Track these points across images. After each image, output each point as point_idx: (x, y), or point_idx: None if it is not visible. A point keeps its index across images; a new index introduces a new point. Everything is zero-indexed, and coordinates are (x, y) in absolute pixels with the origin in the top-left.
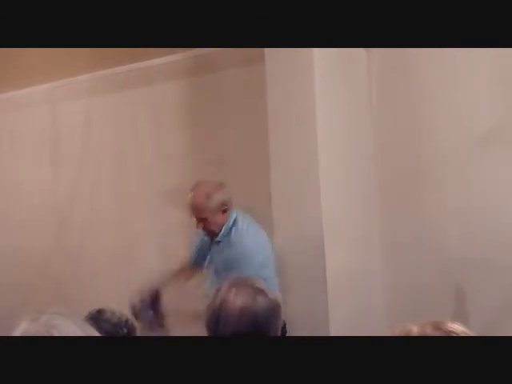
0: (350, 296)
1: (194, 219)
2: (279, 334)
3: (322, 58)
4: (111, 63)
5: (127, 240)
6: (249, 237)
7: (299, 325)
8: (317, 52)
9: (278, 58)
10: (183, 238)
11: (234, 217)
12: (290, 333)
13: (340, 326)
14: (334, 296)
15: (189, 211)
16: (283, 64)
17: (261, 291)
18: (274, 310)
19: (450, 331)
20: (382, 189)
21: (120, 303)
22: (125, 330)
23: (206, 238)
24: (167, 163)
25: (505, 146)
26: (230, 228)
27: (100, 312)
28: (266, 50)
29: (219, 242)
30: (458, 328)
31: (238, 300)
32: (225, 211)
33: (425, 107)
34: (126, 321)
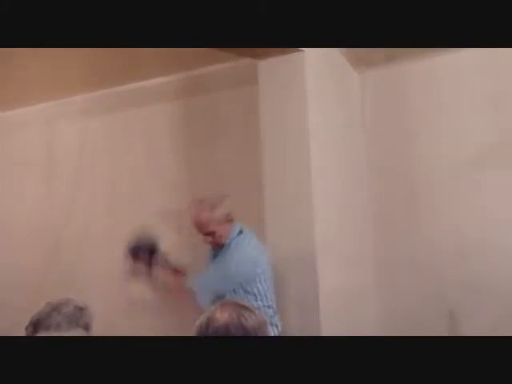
0: (342, 317)
1: (201, 235)
2: None
3: (315, 80)
4: (106, 84)
5: (121, 259)
6: (247, 248)
7: None
8: (310, 74)
9: (271, 80)
10: (177, 258)
11: (238, 228)
12: None
13: None
14: (327, 316)
15: (194, 229)
16: (276, 85)
17: (247, 309)
18: (260, 326)
19: None
20: (375, 210)
21: (115, 319)
22: (83, 320)
23: (210, 253)
24: (161, 183)
25: (498, 168)
26: (236, 238)
27: (56, 306)
28: (259, 71)
29: (224, 252)
30: None
31: (224, 316)
32: (230, 222)
33: (418, 129)
34: (83, 309)
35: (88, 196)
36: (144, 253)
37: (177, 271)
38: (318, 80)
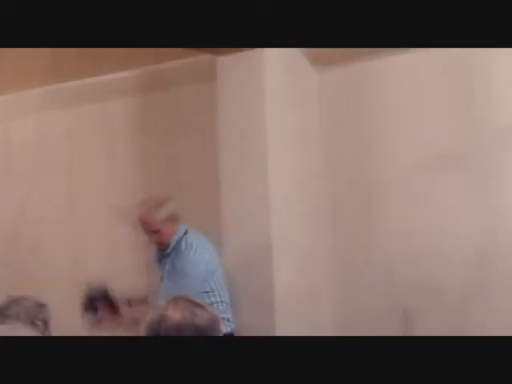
0: (296, 315)
1: (145, 234)
2: None
3: (274, 77)
4: (64, 78)
5: (77, 255)
6: (197, 249)
7: None
8: (269, 71)
9: (229, 76)
10: (132, 254)
11: (183, 228)
12: None
13: None
14: (281, 315)
15: (139, 227)
16: (235, 82)
17: (199, 305)
18: (213, 323)
19: None
20: (331, 210)
21: (70, 316)
22: (42, 315)
23: (157, 254)
24: (118, 178)
25: (452, 170)
26: (180, 239)
27: (16, 299)
28: (218, 67)
29: (169, 253)
30: None
31: (176, 314)
32: (174, 222)
33: (376, 129)
34: (43, 305)
35: (45, 190)
36: (100, 301)
37: (141, 302)
38: (277, 77)
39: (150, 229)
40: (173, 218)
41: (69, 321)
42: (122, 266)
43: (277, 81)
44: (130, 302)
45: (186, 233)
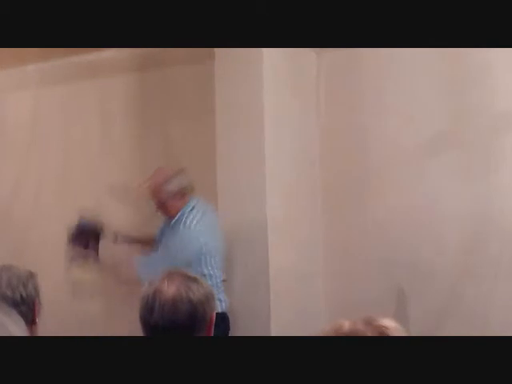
0: (292, 295)
1: (154, 204)
2: (213, 322)
3: (271, 59)
4: (60, 54)
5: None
6: (195, 228)
7: (241, 322)
8: (266, 52)
9: (227, 57)
10: (128, 233)
11: (193, 203)
12: (232, 329)
13: (281, 324)
14: (277, 294)
15: (148, 195)
16: (232, 62)
17: (194, 280)
18: (208, 297)
19: (381, 326)
20: (327, 191)
21: (62, 298)
22: (32, 281)
23: (162, 226)
24: (114, 157)
25: (448, 154)
26: (187, 213)
27: (6, 267)
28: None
29: (172, 227)
30: (389, 324)
31: (171, 289)
32: (183, 196)
33: (372, 113)
34: (33, 274)
35: (39, 169)
36: (87, 237)
37: (144, 242)
38: (275, 58)
39: (158, 200)
40: (183, 192)
41: (60, 295)
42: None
43: (275, 62)
44: (116, 238)
45: (192, 209)
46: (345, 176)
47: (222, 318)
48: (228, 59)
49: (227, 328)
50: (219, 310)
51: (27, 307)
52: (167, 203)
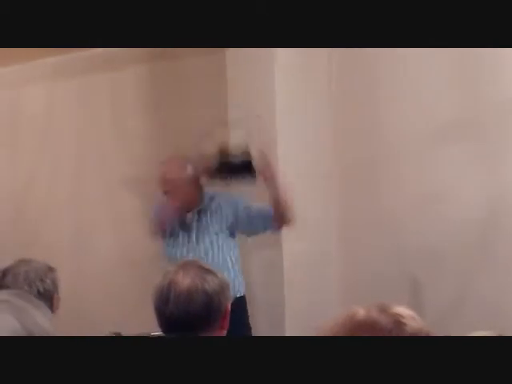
0: (305, 282)
1: (167, 192)
2: (228, 312)
3: (283, 49)
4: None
5: (84, 226)
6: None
7: (255, 309)
8: None
9: (239, 48)
10: (139, 226)
11: (210, 193)
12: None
13: (295, 311)
14: (290, 281)
15: (161, 184)
16: (244, 53)
17: (209, 271)
18: (223, 288)
19: (396, 314)
20: (341, 176)
21: (76, 290)
22: (51, 275)
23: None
24: (127, 149)
25: (461, 140)
26: (207, 203)
27: (26, 260)
28: None
29: (197, 216)
30: (404, 311)
31: (186, 280)
32: (199, 183)
33: (386, 98)
34: (52, 268)
35: (52, 161)
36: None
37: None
38: (287, 49)
39: (173, 188)
40: (200, 183)
41: (72, 288)
42: (129, 238)
43: (287, 52)
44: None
45: (212, 198)
46: (359, 160)
47: (239, 303)
48: (240, 50)
49: (244, 312)
50: (236, 295)
51: (44, 302)
52: (181, 193)
